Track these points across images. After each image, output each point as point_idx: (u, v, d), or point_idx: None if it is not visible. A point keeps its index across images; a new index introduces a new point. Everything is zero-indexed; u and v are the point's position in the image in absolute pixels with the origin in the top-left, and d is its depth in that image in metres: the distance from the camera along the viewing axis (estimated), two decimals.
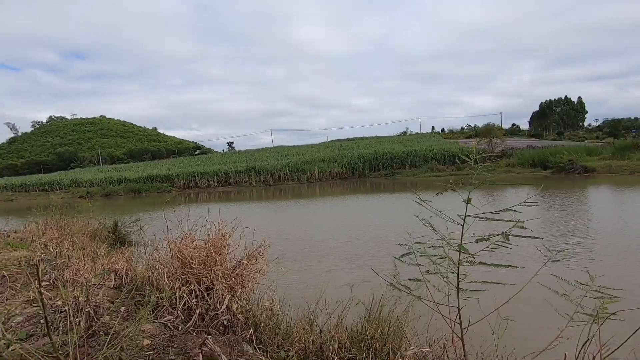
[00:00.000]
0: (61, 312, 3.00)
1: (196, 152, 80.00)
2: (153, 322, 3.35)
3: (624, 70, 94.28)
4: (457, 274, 2.07)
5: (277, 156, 45.61)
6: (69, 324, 2.27)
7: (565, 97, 59.77)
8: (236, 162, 42.97)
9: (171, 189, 36.87)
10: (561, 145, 32.80)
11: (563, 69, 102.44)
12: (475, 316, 2.37)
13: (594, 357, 1.92)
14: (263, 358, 2.99)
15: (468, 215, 2.00)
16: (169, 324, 3.28)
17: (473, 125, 54.76)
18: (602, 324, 1.80)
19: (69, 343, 2.08)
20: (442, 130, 62.68)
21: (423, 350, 2.42)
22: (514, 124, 58.64)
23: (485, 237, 1.96)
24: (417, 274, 2.46)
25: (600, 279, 2.18)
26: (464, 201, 2.02)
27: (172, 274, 3.91)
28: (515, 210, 1.87)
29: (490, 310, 2.40)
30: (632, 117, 58.16)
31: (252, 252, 3.94)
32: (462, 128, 58.23)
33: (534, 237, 1.84)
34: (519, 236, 1.86)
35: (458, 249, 2.01)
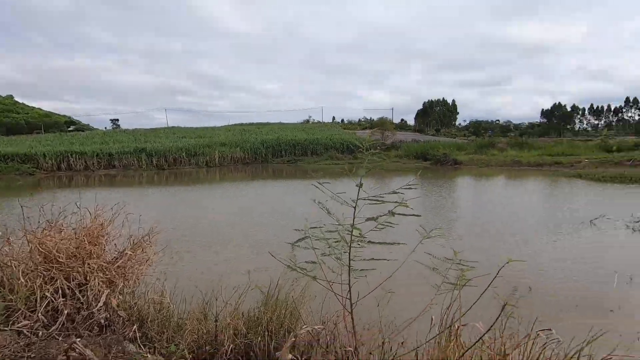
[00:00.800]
0: None
1: (70, 128, 67.79)
2: (2, 330, 2.75)
3: (486, 80, 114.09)
4: (349, 254, 2.21)
5: (172, 137, 41.81)
6: None
7: (443, 98, 69.29)
8: (122, 142, 37.89)
9: (35, 171, 30.60)
10: (438, 141, 38.05)
11: (443, 74, 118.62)
12: (363, 292, 2.58)
13: (454, 316, 2.28)
14: (149, 355, 2.74)
15: (360, 199, 2.14)
16: (24, 331, 2.74)
17: (369, 118, 59.25)
18: (462, 288, 2.13)
19: None
20: (342, 120, 66.20)
21: (315, 328, 2.53)
22: (402, 119, 65.52)
23: (374, 218, 2.12)
24: (314, 258, 2.54)
25: (461, 254, 2.59)
26: (356, 185, 2.15)
27: (32, 271, 3.26)
28: (399, 193, 2.06)
29: (376, 285, 2.64)
30: (490, 120, 70.63)
31: (138, 241, 3.54)
32: (359, 120, 62.50)
33: (414, 215, 2.06)
34: (402, 214, 2.06)
35: (350, 230, 2.13)
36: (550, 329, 1.92)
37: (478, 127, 57.72)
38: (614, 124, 65.02)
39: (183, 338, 3.03)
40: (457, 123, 69.06)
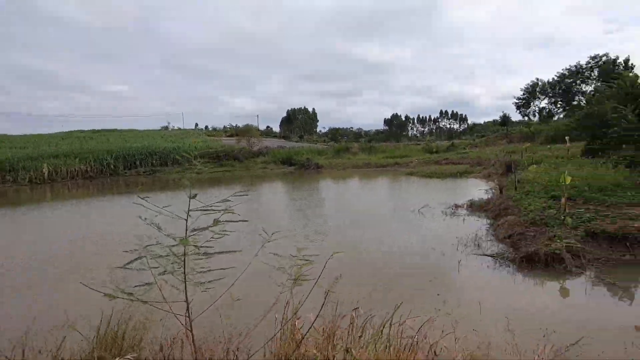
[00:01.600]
0: None
1: None
2: None
3: (341, 91, 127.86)
4: (184, 269, 2.11)
5: None
6: None
7: (304, 107, 74.22)
8: None
9: None
10: (302, 147, 40.40)
11: (304, 84, 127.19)
12: (208, 304, 2.50)
13: (294, 309, 2.44)
14: None
15: (192, 210, 2.07)
16: None
17: (234, 125, 58.29)
18: (295, 283, 2.30)
19: None
20: (206, 127, 63.23)
21: (129, 358, 2.30)
22: (268, 126, 67.01)
23: (205, 227, 2.08)
24: (152, 278, 2.33)
25: (305, 251, 2.79)
26: (188, 197, 2.08)
27: None
28: (229, 200, 2.08)
29: (223, 295, 2.60)
30: (345, 127, 79.17)
31: None
32: (224, 127, 60.79)
33: (242, 221, 2.11)
34: (229, 221, 2.09)
35: (183, 244, 2.04)
36: (357, 307, 2.26)
37: (336, 134, 63.98)
38: (434, 130, 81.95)
39: None
40: (318, 130, 74.79)
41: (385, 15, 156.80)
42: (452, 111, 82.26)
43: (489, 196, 13.17)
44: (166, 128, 58.49)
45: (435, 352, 2.19)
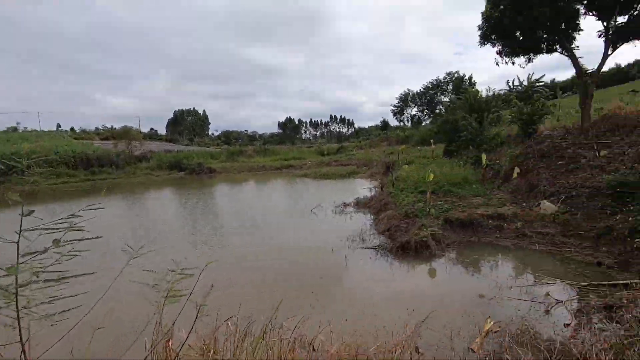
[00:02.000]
0: None
1: None
2: None
3: (234, 94, 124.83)
4: (17, 302, 1.73)
5: None
6: None
7: (194, 109, 69.88)
8: None
9: None
10: (192, 150, 37.89)
11: (193, 84, 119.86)
12: (56, 338, 2.11)
13: (167, 328, 2.25)
14: None
15: (24, 230, 1.72)
16: None
17: (110, 126, 51.17)
18: (167, 301, 2.12)
19: None
20: (72, 129, 53.90)
21: None
22: (152, 128, 60.83)
23: (42, 251, 1.76)
24: None
25: (185, 262, 2.59)
26: (19, 214, 1.71)
27: None
28: (78, 215, 1.80)
29: (81, 326, 2.23)
30: (240, 130, 77.37)
31: None
32: (97, 128, 52.80)
33: (94, 238, 1.86)
34: (75, 240, 1.81)
35: (11, 273, 1.67)
36: (233, 316, 2.23)
37: (229, 137, 62.00)
38: (325, 134, 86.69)
39: None
40: (210, 133, 71.28)
41: (277, 21, 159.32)
42: (341, 116, 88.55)
43: (373, 194, 14.54)
44: (15, 129, 47.89)
45: (313, 347, 2.30)
